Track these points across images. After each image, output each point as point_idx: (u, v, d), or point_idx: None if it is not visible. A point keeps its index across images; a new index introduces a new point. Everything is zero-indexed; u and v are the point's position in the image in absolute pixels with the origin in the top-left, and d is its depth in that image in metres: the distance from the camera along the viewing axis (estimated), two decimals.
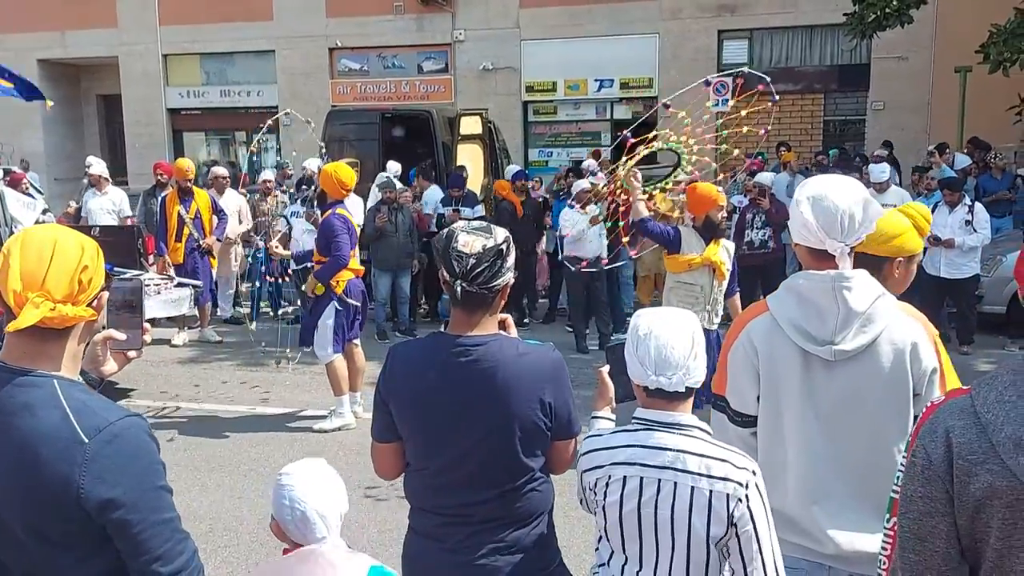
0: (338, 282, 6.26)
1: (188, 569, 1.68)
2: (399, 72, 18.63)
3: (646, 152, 5.97)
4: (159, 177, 9.88)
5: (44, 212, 8.66)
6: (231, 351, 8.92)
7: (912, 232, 2.48)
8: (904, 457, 1.49)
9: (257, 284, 10.21)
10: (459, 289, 2.04)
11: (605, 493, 2.03)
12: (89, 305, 1.67)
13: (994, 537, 1.36)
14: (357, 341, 6.58)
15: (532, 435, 2.12)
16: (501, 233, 2.11)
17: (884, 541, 1.54)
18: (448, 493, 2.15)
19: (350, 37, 18.37)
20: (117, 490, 1.58)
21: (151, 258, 8.77)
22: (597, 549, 2.13)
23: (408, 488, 2.27)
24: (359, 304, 6.40)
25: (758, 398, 2.18)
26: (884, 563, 1.54)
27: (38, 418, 1.59)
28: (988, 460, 1.35)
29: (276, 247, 7.40)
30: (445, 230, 2.14)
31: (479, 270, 2.03)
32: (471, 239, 2.06)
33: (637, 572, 2.02)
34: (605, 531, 2.08)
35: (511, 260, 2.11)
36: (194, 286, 7.97)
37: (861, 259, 2.55)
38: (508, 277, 2.11)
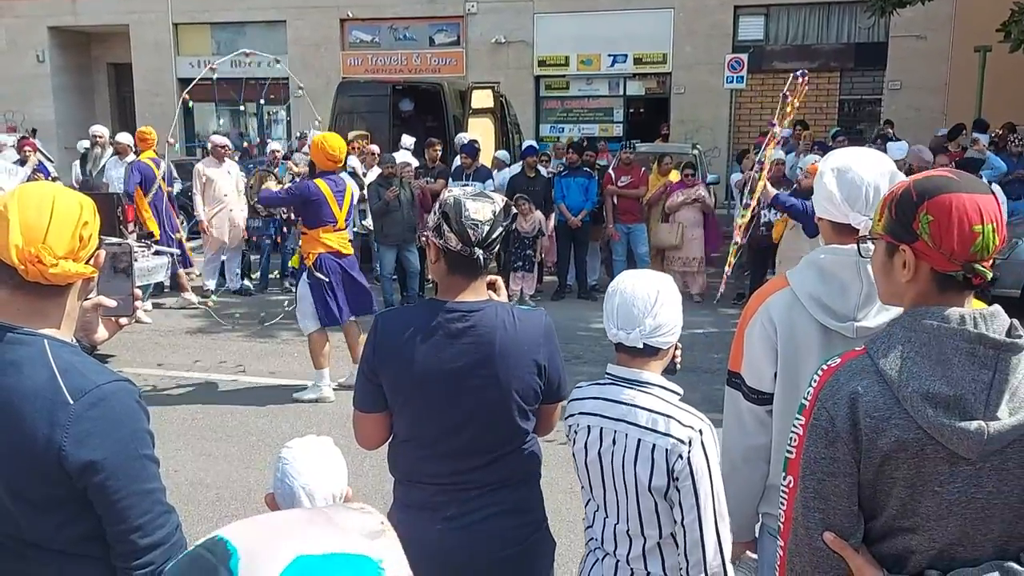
0: (308, 255, 6.18)
1: (167, 544, 1.62)
2: (411, 44, 18.51)
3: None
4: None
5: (53, 180, 8.67)
6: (239, 322, 8.92)
7: None
8: (800, 420, 1.55)
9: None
10: (479, 256, 2.06)
11: (574, 440, 2.14)
12: (88, 262, 1.64)
13: (899, 486, 1.45)
14: (354, 319, 6.48)
15: (528, 398, 2.14)
16: (497, 196, 2.16)
17: (781, 499, 1.58)
18: (444, 461, 2.13)
19: (361, 8, 18.22)
20: (98, 453, 1.54)
21: (131, 226, 8.78)
22: (582, 488, 2.22)
23: (394, 461, 2.24)
24: (327, 280, 6.16)
25: (775, 375, 2.14)
26: (782, 517, 1.58)
27: (24, 376, 1.56)
28: (894, 415, 1.43)
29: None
30: (449, 198, 2.11)
31: (494, 236, 2.07)
32: (479, 206, 2.08)
33: (605, 519, 2.13)
34: (579, 476, 2.19)
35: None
36: (172, 254, 7.98)
37: None
38: None
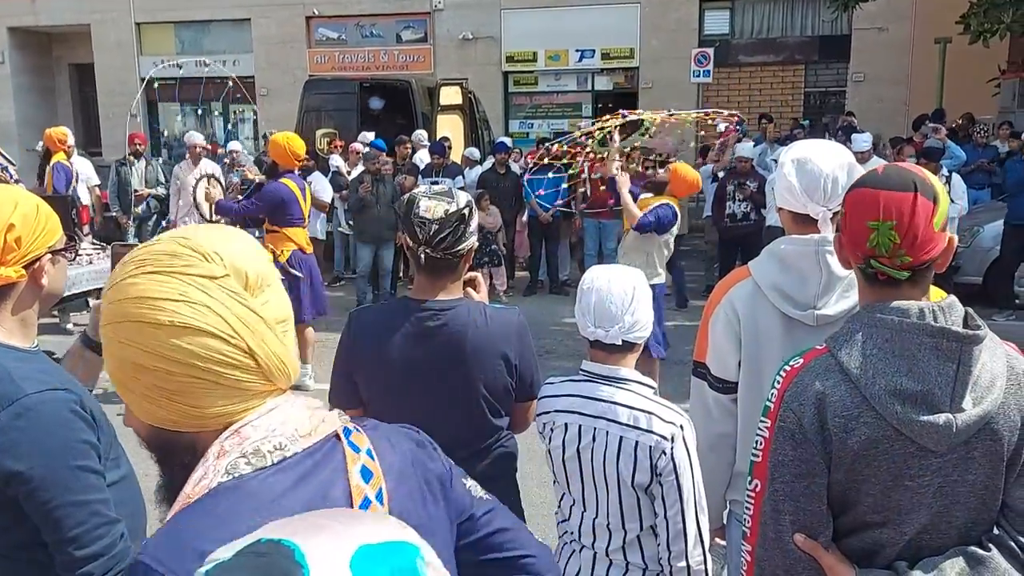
0: (281, 251, 6.19)
1: (107, 555, 1.57)
2: (377, 41, 18.39)
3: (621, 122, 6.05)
4: (137, 147, 9.98)
5: (15, 183, 8.49)
6: None
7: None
8: (765, 423, 1.52)
9: None
10: (423, 255, 2.04)
11: (550, 437, 2.14)
12: (26, 268, 1.61)
13: (871, 483, 1.45)
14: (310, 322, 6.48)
15: (500, 397, 2.14)
16: (463, 197, 2.12)
17: (747, 503, 1.56)
18: None
19: (327, 5, 18.08)
20: (23, 464, 1.51)
21: (85, 228, 8.64)
22: (555, 482, 2.22)
23: None
24: (302, 277, 6.22)
25: (739, 364, 2.17)
26: (748, 522, 1.56)
27: None
28: (863, 414, 1.42)
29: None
30: (406, 196, 2.12)
31: (442, 235, 2.04)
32: (432, 204, 2.05)
33: (582, 513, 2.13)
34: (554, 472, 2.19)
35: (474, 224, 2.12)
36: None
37: None
38: (472, 241, 2.12)
